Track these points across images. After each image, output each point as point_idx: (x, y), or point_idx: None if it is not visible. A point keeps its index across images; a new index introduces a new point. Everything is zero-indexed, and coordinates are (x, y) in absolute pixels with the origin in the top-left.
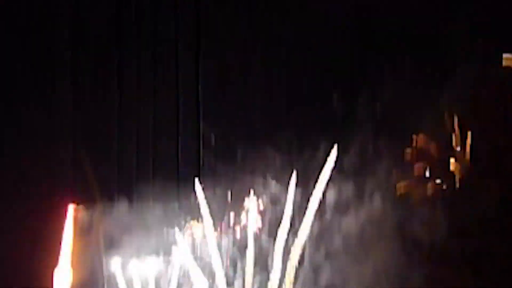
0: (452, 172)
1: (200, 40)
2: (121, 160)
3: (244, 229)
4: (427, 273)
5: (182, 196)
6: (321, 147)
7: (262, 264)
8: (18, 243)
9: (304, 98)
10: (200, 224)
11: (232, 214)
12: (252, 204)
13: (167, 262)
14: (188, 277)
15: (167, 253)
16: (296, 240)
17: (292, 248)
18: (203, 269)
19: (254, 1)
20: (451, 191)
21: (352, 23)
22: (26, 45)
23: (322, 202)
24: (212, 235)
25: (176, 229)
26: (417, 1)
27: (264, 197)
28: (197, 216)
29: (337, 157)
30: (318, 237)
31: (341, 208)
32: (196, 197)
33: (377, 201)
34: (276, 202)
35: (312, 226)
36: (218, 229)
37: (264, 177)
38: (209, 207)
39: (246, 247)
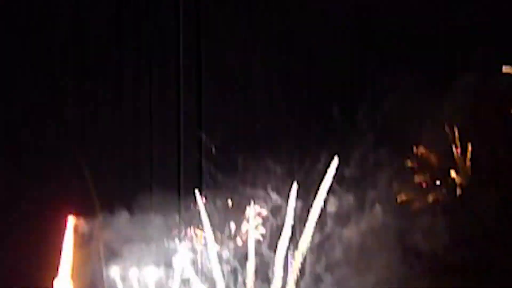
0: (453, 182)
1: (200, 40)
2: (121, 170)
3: (244, 240)
4: (428, 282)
5: (183, 207)
6: (322, 158)
7: (263, 275)
8: (18, 253)
9: (305, 107)
10: (200, 235)
11: (232, 224)
12: (253, 215)
13: (168, 273)
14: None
15: (168, 264)
16: (297, 251)
17: (292, 259)
18: (203, 280)
19: (254, 1)
20: (452, 201)
21: (352, 23)
22: (26, 45)
23: (322, 213)
24: (212, 246)
25: (177, 240)
26: (417, 1)
27: (265, 208)
28: (198, 227)
29: (338, 168)
30: (318, 248)
31: (341, 219)
32: (196, 208)
33: (377, 211)
34: (277, 213)
35: (312, 237)
36: (219, 240)
37: (265, 188)
38: (210, 218)
39: (246, 258)
